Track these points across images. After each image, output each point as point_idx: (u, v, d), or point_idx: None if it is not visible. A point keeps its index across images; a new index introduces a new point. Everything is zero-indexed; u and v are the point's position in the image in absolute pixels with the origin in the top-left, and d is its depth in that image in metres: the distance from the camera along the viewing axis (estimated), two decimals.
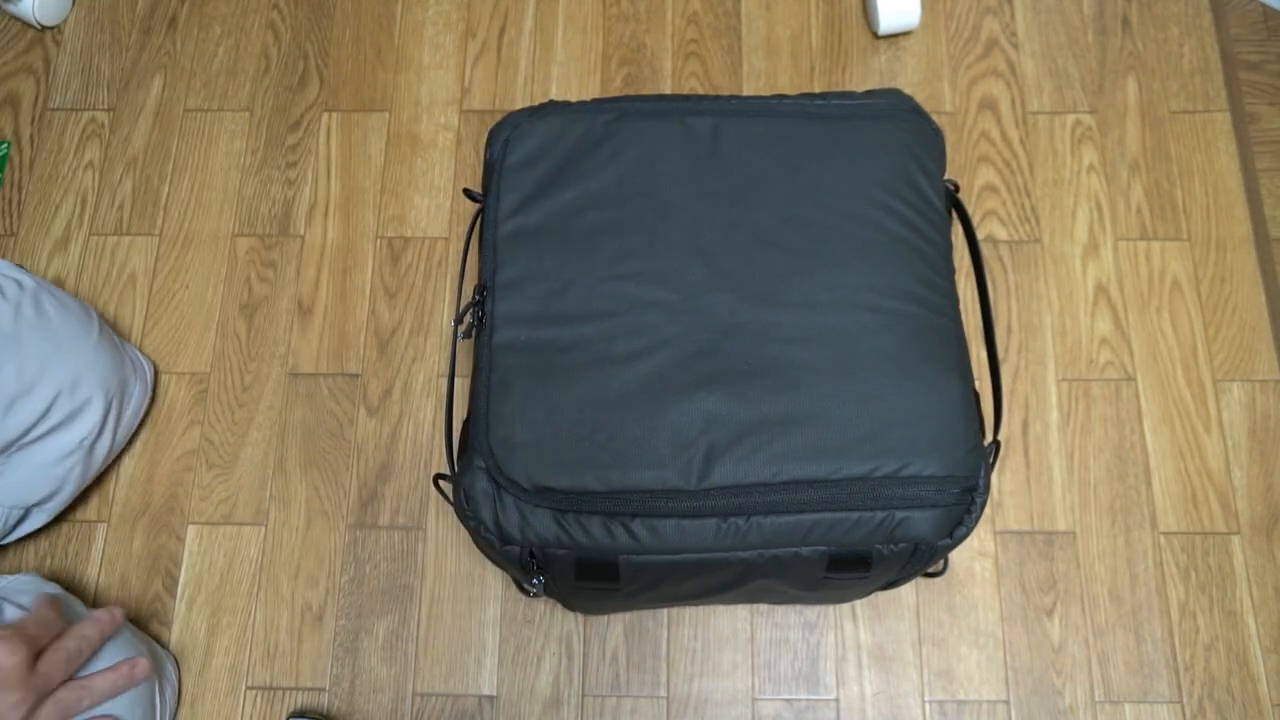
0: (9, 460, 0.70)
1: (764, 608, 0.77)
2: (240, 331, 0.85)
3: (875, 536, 0.57)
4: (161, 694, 0.70)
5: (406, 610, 0.77)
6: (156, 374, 0.84)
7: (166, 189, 0.90)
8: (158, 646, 0.74)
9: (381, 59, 0.94)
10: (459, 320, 0.62)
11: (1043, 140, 0.89)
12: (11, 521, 0.74)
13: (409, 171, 0.89)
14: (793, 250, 0.60)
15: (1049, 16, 0.93)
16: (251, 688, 0.76)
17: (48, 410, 0.70)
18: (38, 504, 0.75)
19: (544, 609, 0.77)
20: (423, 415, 0.82)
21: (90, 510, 0.80)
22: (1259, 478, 0.79)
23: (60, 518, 0.80)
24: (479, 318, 0.61)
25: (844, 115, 0.65)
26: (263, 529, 0.80)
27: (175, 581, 0.78)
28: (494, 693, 0.75)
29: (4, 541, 0.75)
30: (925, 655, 0.76)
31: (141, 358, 0.81)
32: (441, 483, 0.71)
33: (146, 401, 0.81)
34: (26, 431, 0.70)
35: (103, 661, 0.64)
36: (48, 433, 0.71)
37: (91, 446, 0.75)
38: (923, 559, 0.59)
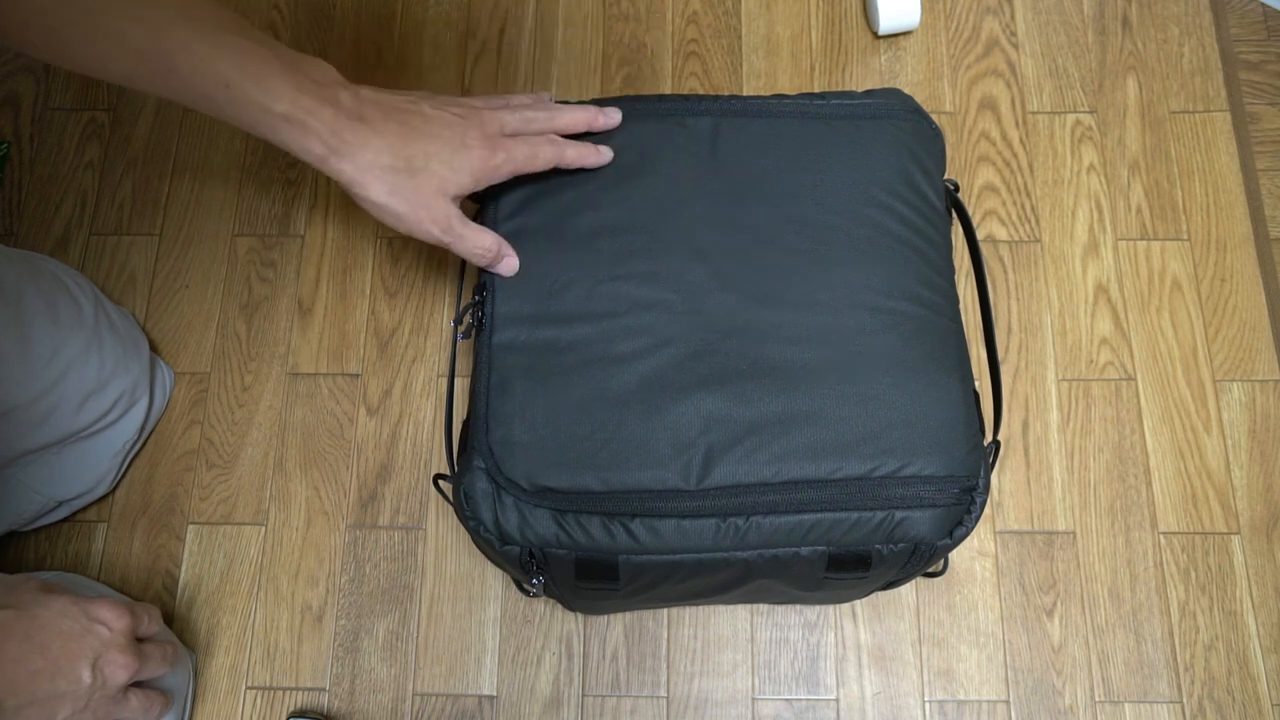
0: (61, 451, 0.71)
1: (764, 608, 0.77)
2: (240, 331, 0.85)
3: (875, 536, 0.57)
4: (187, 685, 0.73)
5: (406, 610, 0.77)
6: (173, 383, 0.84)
7: (166, 189, 0.90)
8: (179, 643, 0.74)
9: (381, 59, 0.94)
10: (459, 320, 0.62)
11: (1043, 140, 0.89)
12: (45, 510, 0.75)
13: None
14: (792, 250, 0.60)
15: (1049, 16, 0.93)
16: (251, 688, 0.76)
17: (111, 408, 0.72)
18: (72, 499, 0.76)
19: (544, 609, 0.77)
20: (423, 415, 0.82)
21: (90, 510, 0.80)
22: (1259, 478, 0.79)
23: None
24: (479, 318, 0.61)
25: (844, 115, 0.65)
26: (262, 529, 0.80)
27: (175, 581, 0.78)
28: (494, 693, 0.75)
29: (24, 529, 0.76)
30: (925, 655, 0.76)
31: (165, 366, 0.82)
32: (441, 483, 0.71)
33: (163, 409, 0.82)
34: (88, 426, 0.71)
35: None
36: (101, 430, 0.73)
37: (130, 448, 0.77)
38: (922, 559, 0.59)
